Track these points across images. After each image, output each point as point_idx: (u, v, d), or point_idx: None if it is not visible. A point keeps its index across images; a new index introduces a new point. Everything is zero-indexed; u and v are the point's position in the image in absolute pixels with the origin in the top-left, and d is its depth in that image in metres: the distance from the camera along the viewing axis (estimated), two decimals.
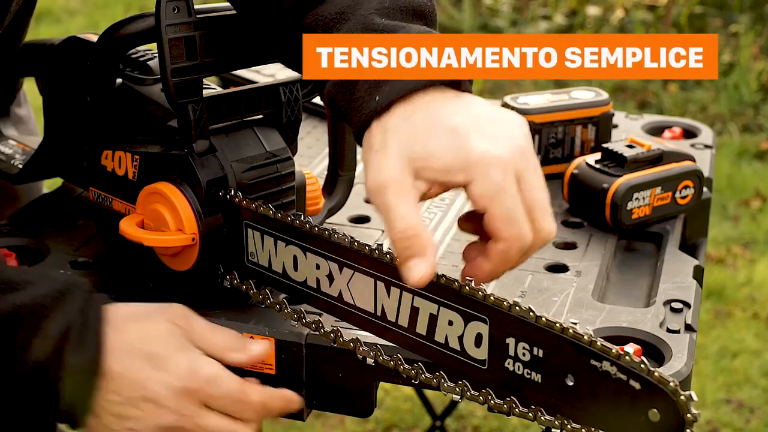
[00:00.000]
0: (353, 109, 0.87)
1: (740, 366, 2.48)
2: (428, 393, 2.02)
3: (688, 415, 0.74)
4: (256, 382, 0.95)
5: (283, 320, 0.98)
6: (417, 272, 0.82)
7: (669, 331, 0.99)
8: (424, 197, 0.85)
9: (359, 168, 1.23)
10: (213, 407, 0.91)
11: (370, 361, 0.92)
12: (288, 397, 0.95)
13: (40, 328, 0.87)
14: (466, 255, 0.88)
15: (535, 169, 0.85)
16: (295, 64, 0.94)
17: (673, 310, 1.03)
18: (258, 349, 0.95)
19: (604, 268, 1.12)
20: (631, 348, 0.95)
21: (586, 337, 0.78)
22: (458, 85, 0.87)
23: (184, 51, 0.95)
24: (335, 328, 0.93)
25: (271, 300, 0.97)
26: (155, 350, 0.91)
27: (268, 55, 1.04)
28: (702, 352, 2.50)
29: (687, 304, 1.03)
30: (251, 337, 0.96)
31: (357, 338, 0.92)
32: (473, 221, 0.88)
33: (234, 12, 1.00)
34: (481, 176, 0.82)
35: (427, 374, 0.88)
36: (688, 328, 1.00)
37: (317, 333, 0.94)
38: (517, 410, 0.83)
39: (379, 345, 0.92)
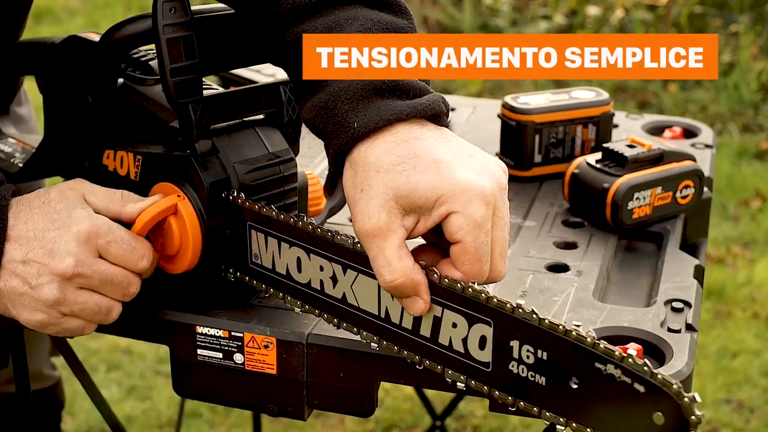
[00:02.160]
0: (331, 132, 0.88)
1: (740, 366, 2.48)
2: (428, 393, 2.01)
3: (693, 417, 0.74)
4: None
5: (284, 320, 0.99)
6: (415, 309, 0.86)
7: (670, 330, 0.99)
8: (412, 234, 0.86)
9: None
10: (108, 257, 0.95)
11: (374, 345, 0.91)
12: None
13: None
14: (415, 254, 0.88)
15: (507, 208, 0.87)
16: (286, 70, 0.95)
17: (673, 309, 1.03)
18: (138, 207, 0.97)
19: (604, 268, 1.12)
20: (632, 347, 0.95)
21: (589, 340, 0.78)
22: (437, 119, 0.87)
23: (182, 51, 0.95)
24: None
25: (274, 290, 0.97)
26: (55, 207, 0.94)
27: (266, 56, 1.04)
28: (702, 352, 2.50)
29: (688, 304, 1.04)
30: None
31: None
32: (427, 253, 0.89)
33: (231, 11, 1.00)
34: (464, 208, 0.83)
35: (430, 361, 0.88)
36: (689, 327, 1.00)
37: (321, 318, 0.94)
38: (521, 404, 0.83)
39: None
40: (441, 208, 0.84)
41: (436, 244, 0.88)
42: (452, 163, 0.84)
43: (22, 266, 0.93)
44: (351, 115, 0.86)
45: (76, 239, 0.93)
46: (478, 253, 0.84)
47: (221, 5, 1.00)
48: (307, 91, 0.91)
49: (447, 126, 0.89)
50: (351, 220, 0.87)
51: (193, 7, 0.96)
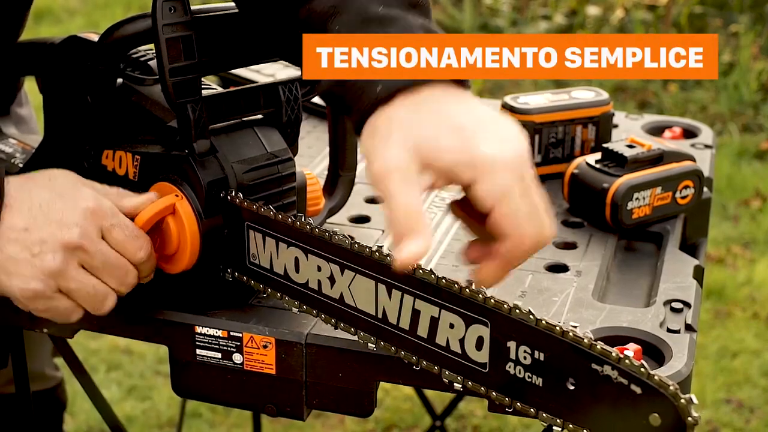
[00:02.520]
0: (353, 98, 0.87)
1: (740, 366, 2.48)
2: (428, 393, 2.01)
3: (689, 419, 0.74)
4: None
5: (283, 320, 0.99)
6: (407, 251, 0.82)
7: (669, 331, 0.99)
8: (427, 189, 0.85)
9: (360, 167, 1.24)
10: (110, 241, 0.95)
11: (371, 346, 0.91)
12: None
13: None
14: (468, 256, 0.88)
15: (534, 176, 0.86)
16: (294, 59, 0.94)
17: (673, 310, 1.03)
18: (134, 201, 0.97)
19: (604, 268, 1.12)
20: (632, 348, 0.95)
21: (586, 341, 0.78)
22: (461, 83, 0.87)
23: (181, 51, 0.95)
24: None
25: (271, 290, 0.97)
26: (61, 183, 0.95)
27: (267, 54, 1.04)
28: (702, 352, 2.50)
29: (687, 304, 1.04)
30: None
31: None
32: (464, 209, 0.88)
33: (231, 11, 1.00)
34: (488, 177, 0.83)
35: (427, 361, 0.88)
36: (689, 327, 1.00)
37: (318, 318, 0.94)
38: (518, 405, 0.83)
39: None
40: (464, 175, 0.83)
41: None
42: (475, 131, 0.84)
43: (24, 233, 0.92)
44: (373, 82, 0.86)
45: (83, 214, 0.93)
46: (516, 217, 0.83)
47: (222, 5, 1.00)
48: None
49: (469, 88, 0.88)
50: (366, 171, 0.86)
51: (193, 7, 0.96)
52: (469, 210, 0.88)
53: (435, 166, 0.84)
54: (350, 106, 0.88)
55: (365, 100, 0.86)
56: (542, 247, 0.86)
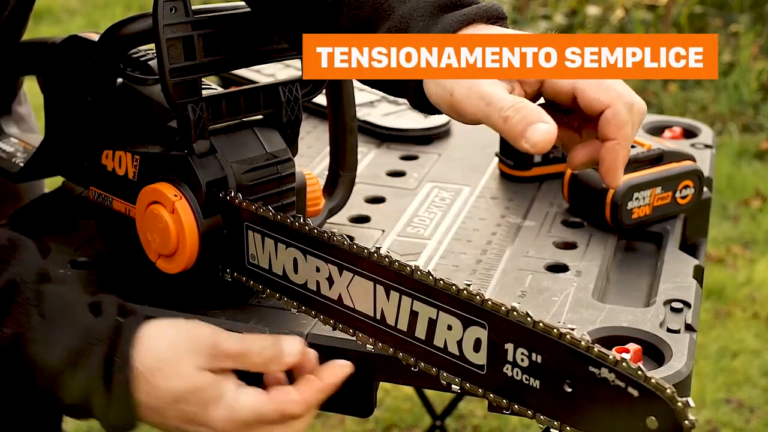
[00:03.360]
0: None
1: (740, 366, 2.48)
2: (428, 393, 2.02)
3: (686, 422, 0.74)
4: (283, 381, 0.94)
5: (282, 320, 0.99)
6: (539, 133, 0.81)
7: (669, 330, 0.99)
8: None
9: (360, 168, 1.24)
10: None
11: (369, 347, 0.91)
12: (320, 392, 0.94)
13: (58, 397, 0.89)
14: (575, 160, 0.88)
15: None
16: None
17: (673, 309, 1.03)
18: (293, 352, 0.92)
19: (604, 268, 1.12)
20: (631, 348, 0.95)
21: (583, 343, 0.78)
22: (499, 21, 0.89)
23: (182, 51, 0.95)
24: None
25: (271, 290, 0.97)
26: (190, 409, 0.90)
27: (268, 54, 1.04)
28: (702, 352, 2.50)
29: (687, 304, 1.03)
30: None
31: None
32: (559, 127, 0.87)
33: (232, 11, 1.00)
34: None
35: (425, 362, 0.88)
36: (689, 327, 1.00)
37: (317, 320, 0.94)
38: (516, 407, 0.83)
39: None
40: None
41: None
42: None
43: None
44: (426, 32, 0.87)
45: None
46: (601, 84, 0.85)
47: (223, 5, 1.00)
48: (366, 33, 0.90)
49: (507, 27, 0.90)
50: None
51: (194, 7, 0.96)
52: (560, 127, 0.87)
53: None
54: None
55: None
56: (639, 113, 0.86)
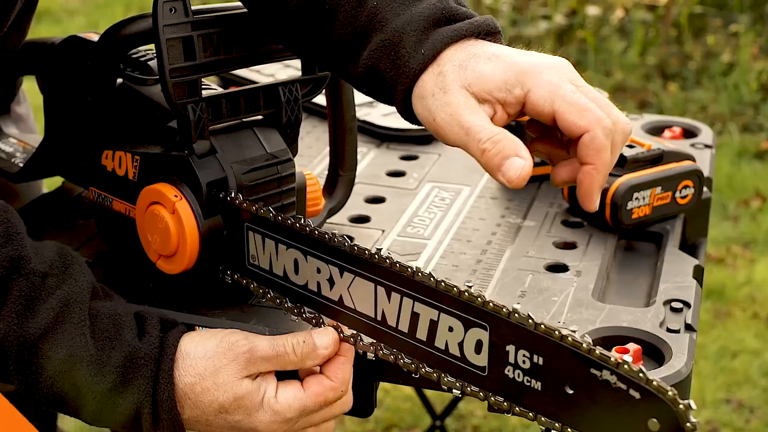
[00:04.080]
0: (400, 67, 0.88)
1: (740, 366, 2.48)
2: (428, 393, 2.02)
3: (688, 424, 0.74)
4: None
5: (282, 320, 0.98)
6: (515, 169, 0.83)
7: (669, 330, 0.99)
8: (493, 121, 0.86)
9: (360, 167, 1.24)
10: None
11: (370, 356, 0.91)
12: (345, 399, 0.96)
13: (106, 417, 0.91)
14: (558, 177, 0.89)
15: (582, 79, 0.87)
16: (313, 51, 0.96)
17: (673, 309, 1.03)
18: (327, 344, 0.93)
19: (604, 268, 1.12)
20: (631, 348, 0.95)
21: (584, 345, 0.78)
22: (492, 36, 0.89)
23: (182, 51, 0.95)
24: (335, 324, 0.93)
25: (272, 294, 0.97)
26: (235, 418, 0.92)
27: (268, 54, 1.04)
28: (702, 352, 2.50)
29: (687, 304, 1.03)
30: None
31: (357, 333, 0.92)
32: (543, 141, 0.90)
33: (232, 11, 1.00)
34: (536, 81, 0.84)
35: (427, 368, 0.88)
36: (688, 327, 1.00)
37: (317, 328, 0.94)
38: (517, 409, 0.83)
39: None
40: (515, 90, 0.85)
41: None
42: (512, 54, 0.86)
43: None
44: (417, 47, 0.87)
45: None
46: (578, 105, 0.84)
47: (223, 5, 1.00)
48: (360, 43, 0.91)
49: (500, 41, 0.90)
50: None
51: (193, 7, 0.96)
52: (547, 141, 0.90)
53: (486, 92, 0.85)
54: (397, 76, 0.88)
55: (412, 65, 0.87)
56: (622, 133, 0.88)
